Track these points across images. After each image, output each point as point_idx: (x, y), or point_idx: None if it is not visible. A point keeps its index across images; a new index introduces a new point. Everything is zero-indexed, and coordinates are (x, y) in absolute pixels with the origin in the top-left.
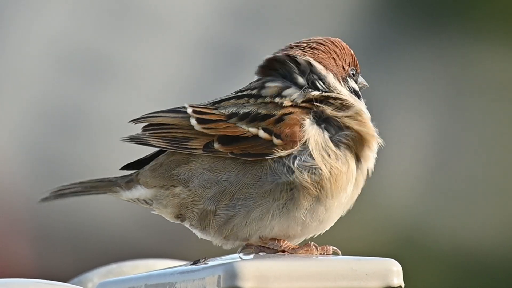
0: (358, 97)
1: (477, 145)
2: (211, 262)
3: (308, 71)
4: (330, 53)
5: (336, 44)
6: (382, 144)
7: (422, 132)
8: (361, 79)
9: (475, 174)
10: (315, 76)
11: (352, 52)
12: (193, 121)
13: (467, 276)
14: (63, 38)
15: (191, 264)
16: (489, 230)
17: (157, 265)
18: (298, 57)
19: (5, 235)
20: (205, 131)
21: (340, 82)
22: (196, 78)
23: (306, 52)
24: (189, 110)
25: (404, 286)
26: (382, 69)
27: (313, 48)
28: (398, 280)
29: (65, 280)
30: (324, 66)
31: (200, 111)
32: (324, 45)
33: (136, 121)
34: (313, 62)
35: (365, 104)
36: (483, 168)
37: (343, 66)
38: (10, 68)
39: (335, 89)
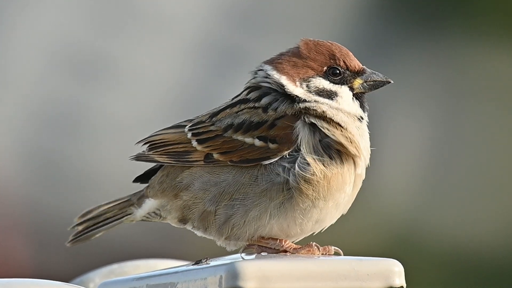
0: (329, 95)
1: (473, 146)
2: (213, 262)
3: (267, 78)
4: (291, 57)
5: (305, 46)
6: (368, 163)
7: (419, 133)
8: (368, 77)
9: (472, 174)
10: (271, 84)
11: (335, 51)
12: (194, 143)
13: (466, 275)
14: (64, 39)
15: (193, 264)
16: (486, 229)
17: (158, 265)
18: (259, 70)
19: (5, 235)
20: (205, 149)
21: (295, 83)
22: (196, 78)
23: (271, 60)
24: (189, 135)
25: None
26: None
27: (280, 55)
28: (400, 280)
29: (66, 280)
30: (278, 70)
31: (198, 133)
32: (291, 50)
33: (141, 142)
34: (269, 69)
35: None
36: (480, 168)
37: (310, 66)
38: (9, 69)
39: (287, 90)
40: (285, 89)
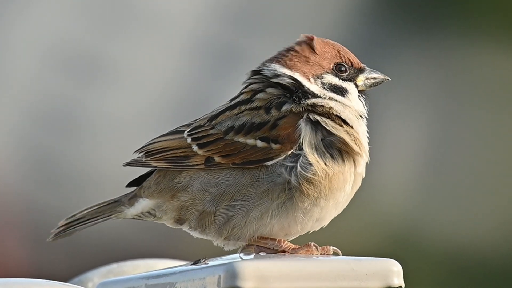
0: (341, 91)
1: (470, 145)
2: (211, 262)
3: (277, 76)
4: (301, 53)
5: (314, 43)
6: (369, 160)
7: (416, 132)
8: (369, 74)
9: (469, 174)
10: (284, 79)
11: (339, 48)
12: (195, 148)
13: (465, 275)
14: (60, 38)
15: (191, 264)
16: (484, 229)
17: (157, 265)
18: (264, 68)
19: (3, 234)
20: (206, 153)
21: (309, 79)
22: (194, 77)
23: (277, 58)
24: (189, 140)
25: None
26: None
27: (286, 52)
28: (399, 280)
29: (65, 279)
30: (289, 67)
31: (198, 137)
32: (298, 47)
33: (138, 151)
34: (277, 67)
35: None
36: (477, 167)
37: (320, 63)
38: (7, 68)
39: (303, 86)
40: (301, 85)
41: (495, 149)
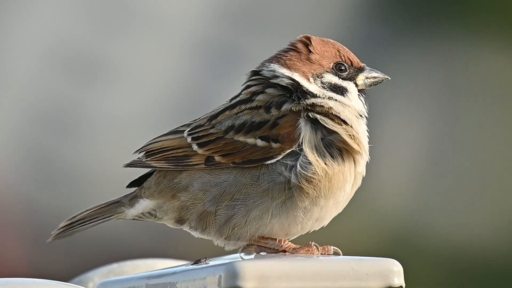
0: (341, 91)
1: (471, 144)
2: (212, 262)
3: (276, 77)
4: (301, 52)
5: (313, 41)
6: (369, 159)
7: (416, 131)
8: (369, 73)
9: (469, 174)
10: (283, 80)
11: (339, 47)
12: (195, 147)
13: (465, 275)
14: (60, 38)
15: (192, 264)
16: (484, 229)
17: (158, 265)
18: (263, 69)
19: (2, 234)
20: (206, 153)
21: (309, 79)
22: (193, 77)
23: (277, 58)
24: (189, 139)
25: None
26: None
27: (285, 52)
28: (399, 280)
29: (65, 279)
30: (288, 67)
31: (198, 136)
32: (298, 45)
33: (139, 151)
34: (277, 67)
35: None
36: (477, 167)
37: (319, 62)
38: (6, 68)
39: (302, 86)
40: (300, 86)
41: (496, 149)
